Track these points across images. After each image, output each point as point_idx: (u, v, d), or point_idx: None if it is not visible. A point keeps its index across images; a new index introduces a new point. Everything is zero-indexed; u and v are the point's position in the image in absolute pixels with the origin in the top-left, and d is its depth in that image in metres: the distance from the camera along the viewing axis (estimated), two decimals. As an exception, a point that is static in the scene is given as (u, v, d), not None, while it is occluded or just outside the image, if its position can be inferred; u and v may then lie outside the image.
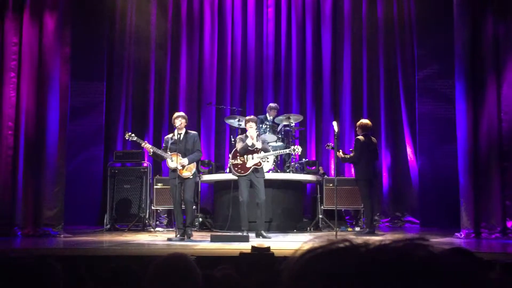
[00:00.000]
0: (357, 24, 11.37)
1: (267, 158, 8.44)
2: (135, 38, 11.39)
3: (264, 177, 8.01)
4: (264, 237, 7.62)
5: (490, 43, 7.91)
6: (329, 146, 8.86)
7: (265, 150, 8.05)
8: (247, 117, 8.26)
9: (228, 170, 8.96)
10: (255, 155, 7.89)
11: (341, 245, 0.77)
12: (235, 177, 8.08)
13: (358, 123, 8.89)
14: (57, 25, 8.32)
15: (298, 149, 8.30)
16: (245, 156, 7.90)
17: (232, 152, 8.22)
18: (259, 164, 7.89)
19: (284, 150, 8.71)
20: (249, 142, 7.92)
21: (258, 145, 7.92)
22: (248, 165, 7.87)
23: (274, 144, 9.48)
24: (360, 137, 8.60)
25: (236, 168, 7.94)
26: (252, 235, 7.66)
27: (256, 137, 8.05)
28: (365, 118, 10.20)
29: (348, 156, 8.65)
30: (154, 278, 2.07)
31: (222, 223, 9.10)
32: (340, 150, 8.71)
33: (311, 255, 0.75)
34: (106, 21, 11.23)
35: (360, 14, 11.37)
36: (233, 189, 8.60)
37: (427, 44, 10.58)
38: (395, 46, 11.22)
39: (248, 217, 7.94)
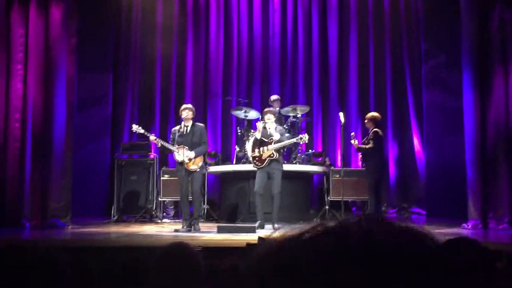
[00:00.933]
0: (364, 14, 11.32)
1: (283, 149, 8.38)
2: (141, 29, 11.40)
3: (281, 169, 7.97)
4: (273, 228, 7.64)
5: (497, 33, 7.85)
6: (353, 138, 8.74)
7: (280, 141, 8.04)
8: (266, 109, 8.28)
9: (233, 161, 8.97)
10: (270, 146, 7.90)
11: (334, 225, 0.76)
12: (243, 168, 8.10)
13: (369, 116, 8.84)
14: (63, 16, 8.33)
15: (305, 138, 8.27)
16: (261, 148, 7.91)
17: (251, 144, 8.23)
18: (272, 155, 7.87)
19: (292, 140, 8.69)
20: (257, 135, 7.93)
21: (276, 136, 7.90)
22: (263, 157, 7.90)
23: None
24: (378, 130, 8.59)
25: (255, 161, 7.98)
26: (268, 226, 7.69)
27: (275, 128, 8.04)
28: (371, 109, 10.19)
29: (364, 146, 8.60)
30: (157, 267, 2.08)
31: (229, 215, 9.12)
32: (356, 140, 8.66)
33: (310, 235, 0.74)
34: (113, 12, 11.22)
35: (366, 4, 11.31)
36: (241, 180, 8.58)
37: (434, 34, 10.49)
38: (401, 36, 11.17)
39: (263, 208, 7.93)
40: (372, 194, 8.61)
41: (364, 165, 9.00)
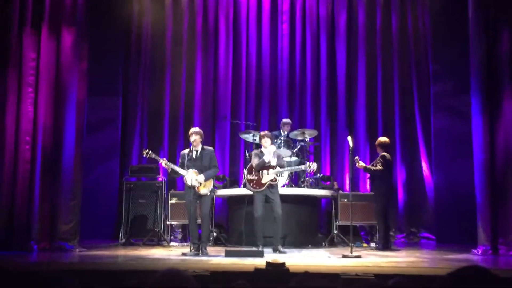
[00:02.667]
0: (372, 38, 11.38)
1: (282, 173, 8.47)
2: (150, 53, 11.51)
3: (279, 191, 8.02)
4: (280, 252, 7.61)
5: (506, 57, 7.85)
6: (357, 160, 8.72)
7: (281, 165, 8.06)
8: (262, 133, 8.31)
9: (243, 185, 8.97)
10: (271, 170, 7.90)
11: None
12: (250, 192, 8.09)
13: (379, 141, 8.91)
14: (74, 40, 8.43)
15: (313, 166, 8.33)
16: (260, 172, 7.91)
17: (248, 167, 8.25)
18: (274, 180, 7.91)
19: (300, 167, 8.72)
20: (266, 158, 7.94)
21: (273, 161, 7.94)
22: (263, 181, 7.90)
23: (288, 159, 9.49)
24: (387, 154, 8.61)
25: (251, 184, 7.96)
26: (268, 250, 7.67)
27: (273, 153, 8.07)
28: (380, 133, 10.21)
29: (371, 167, 8.60)
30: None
31: (237, 238, 9.10)
32: (360, 161, 8.66)
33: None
34: (122, 36, 11.37)
35: (374, 29, 11.39)
36: (247, 204, 8.61)
37: (442, 58, 10.52)
38: (410, 60, 11.21)
39: (263, 232, 7.95)
40: (381, 219, 8.59)
41: (372, 189, 8.99)
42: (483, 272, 1.73)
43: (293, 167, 8.74)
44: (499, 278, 1.75)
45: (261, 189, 7.89)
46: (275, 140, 9.55)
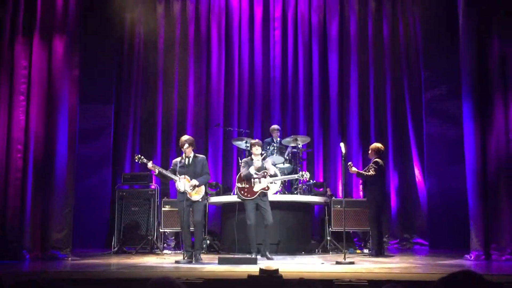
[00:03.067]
0: (364, 45, 11.44)
1: (275, 181, 8.50)
2: (143, 60, 11.52)
3: (268, 200, 8.05)
4: (267, 258, 7.65)
5: (496, 64, 7.91)
6: (350, 166, 8.73)
7: (274, 174, 8.08)
8: (252, 141, 8.32)
9: (234, 192, 8.98)
10: (263, 179, 7.91)
11: None
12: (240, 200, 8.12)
13: (373, 147, 8.89)
14: (66, 48, 8.41)
15: (306, 175, 8.39)
16: (252, 180, 7.92)
17: (238, 175, 8.25)
18: (266, 188, 7.92)
19: (293, 176, 8.75)
20: (252, 170, 7.93)
21: (271, 170, 7.95)
22: (255, 189, 7.90)
23: (281, 166, 9.50)
24: (379, 160, 8.62)
25: (242, 192, 7.97)
26: (262, 257, 7.74)
27: (262, 160, 8.08)
28: (372, 140, 10.24)
29: (364, 172, 8.61)
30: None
31: (230, 245, 9.08)
32: (353, 167, 8.66)
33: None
34: (114, 44, 11.37)
35: (366, 36, 11.45)
36: (238, 211, 8.61)
37: (433, 64, 10.60)
38: (401, 67, 11.26)
39: (257, 239, 7.96)
40: (374, 226, 8.59)
41: (364, 195, 8.99)
42: (475, 277, 1.73)
43: (285, 176, 8.74)
44: (491, 283, 1.76)
45: (252, 197, 7.90)
46: (268, 147, 9.58)
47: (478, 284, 1.69)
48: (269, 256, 7.77)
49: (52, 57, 8.33)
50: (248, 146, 9.59)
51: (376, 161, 8.65)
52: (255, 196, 7.89)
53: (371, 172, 8.53)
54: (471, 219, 7.90)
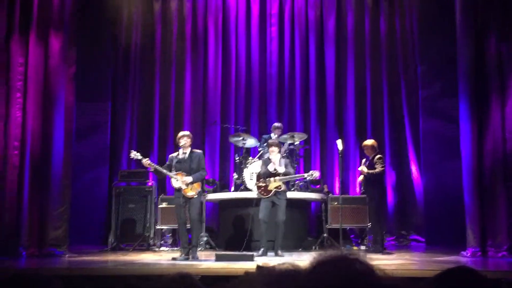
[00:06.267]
0: (360, 41, 11.44)
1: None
2: (139, 58, 11.51)
3: (286, 198, 8.14)
4: (279, 255, 7.75)
5: (493, 62, 7.91)
6: (363, 165, 8.68)
7: (286, 173, 8.14)
8: (270, 141, 8.50)
9: (231, 189, 9.04)
10: (277, 178, 7.99)
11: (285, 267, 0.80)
12: (255, 196, 8.31)
13: (369, 144, 8.80)
14: (63, 45, 8.40)
15: (316, 174, 8.43)
16: (267, 180, 8.00)
17: (257, 174, 8.39)
18: (279, 187, 7.99)
19: (302, 175, 8.80)
20: (270, 167, 8.07)
21: (281, 169, 8.04)
22: (269, 188, 8.01)
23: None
24: (381, 155, 8.59)
25: (260, 190, 8.11)
26: (271, 253, 7.88)
27: (279, 160, 8.14)
28: (369, 136, 10.23)
29: (374, 171, 8.47)
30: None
31: (227, 242, 9.09)
32: (364, 167, 8.61)
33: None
34: (111, 41, 11.36)
35: (363, 32, 11.45)
36: (240, 207, 8.68)
37: (430, 61, 10.63)
38: (398, 63, 11.27)
39: (268, 236, 8.00)
40: (378, 221, 8.50)
41: (366, 191, 8.83)
42: (471, 273, 1.74)
43: (295, 175, 8.75)
44: (487, 279, 1.77)
45: (268, 196, 7.99)
46: (265, 145, 9.59)
47: (474, 280, 1.70)
48: (280, 253, 7.83)
49: (48, 54, 8.32)
50: (245, 143, 9.62)
51: (380, 156, 8.57)
52: (270, 194, 8.00)
53: (378, 169, 8.43)
54: (467, 215, 7.91)
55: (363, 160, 8.73)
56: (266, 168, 8.13)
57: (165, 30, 11.52)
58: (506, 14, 7.99)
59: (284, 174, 8.10)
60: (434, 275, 1.80)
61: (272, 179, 8.04)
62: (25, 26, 8.27)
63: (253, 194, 8.49)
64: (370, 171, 8.51)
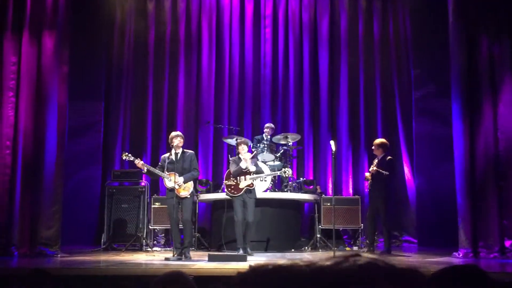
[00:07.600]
0: (354, 43, 11.46)
1: (265, 178, 8.60)
2: (133, 57, 11.48)
3: (255, 197, 8.14)
4: (247, 252, 7.75)
5: (485, 64, 7.96)
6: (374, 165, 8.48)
7: (257, 171, 8.15)
8: (239, 140, 8.44)
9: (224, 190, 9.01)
10: (248, 176, 8.00)
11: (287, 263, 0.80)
12: (228, 197, 8.22)
13: (380, 142, 8.60)
14: (56, 44, 8.37)
15: (288, 172, 8.45)
16: (238, 178, 8.00)
17: (226, 173, 8.35)
18: (251, 185, 8.02)
19: (275, 172, 8.79)
20: (243, 165, 8.06)
21: (252, 167, 8.05)
22: (241, 186, 8.00)
23: (271, 163, 9.51)
24: (391, 157, 8.45)
25: (229, 189, 8.11)
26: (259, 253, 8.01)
27: (250, 158, 8.15)
28: (362, 138, 10.23)
29: (384, 172, 8.20)
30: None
31: (220, 243, 9.09)
32: (373, 169, 8.42)
33: (262, 270, 0.79)
34: (104, 41, 11.33)
35: (356, 34, 11.47)
36: (226, 208, 8.69)
37: (423, 63, 10.67)
38: (391, 65, 11.31)
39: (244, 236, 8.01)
40: (384, 223, 8.35)
41: (374, 191, 8.48)
42: (479, 274, 1.73)
43: (268, 173, 8.78)
44: (496, 282, 1.76)
45: (238, 194, 8.00)
46: (258, 145, 9.60)
47: (482, 281, 1.69)
48: (249, 251, 7.86)
49: (41, 53, 8.29)
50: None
51: (390, 158, 8.40)
52: (241, 192, 8.01)
53: (386, 172, 8.20)
54: (460, 217, 7.94)
55: (375, 160, 8.54)
56: (237, 166, 8.11)
57: (159, 30, 11.50)
58: (497, 18, 8.04)
59: (256, 172, 8.12)
60: (439, 270, 1.78)
61: (243, 177, 8.05)
62: (18, 25, 8.25)
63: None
64: (381, 171, 8.22)
